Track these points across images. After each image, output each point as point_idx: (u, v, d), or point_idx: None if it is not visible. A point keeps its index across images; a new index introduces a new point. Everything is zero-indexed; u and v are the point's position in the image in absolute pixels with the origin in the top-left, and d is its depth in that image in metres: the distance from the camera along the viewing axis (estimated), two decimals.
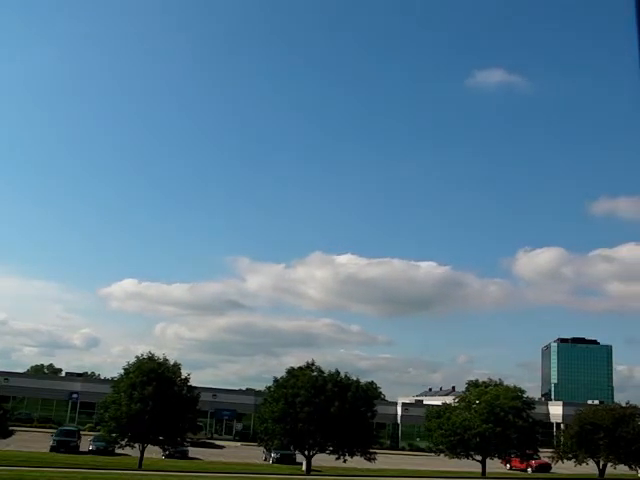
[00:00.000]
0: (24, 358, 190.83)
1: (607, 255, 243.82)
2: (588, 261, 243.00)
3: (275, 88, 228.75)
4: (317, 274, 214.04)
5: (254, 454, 49.92)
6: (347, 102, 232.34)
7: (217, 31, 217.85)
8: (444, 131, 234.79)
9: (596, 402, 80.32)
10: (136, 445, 36.69)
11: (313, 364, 40.92)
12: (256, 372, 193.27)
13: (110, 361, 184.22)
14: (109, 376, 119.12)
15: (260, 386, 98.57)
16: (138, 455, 36.40)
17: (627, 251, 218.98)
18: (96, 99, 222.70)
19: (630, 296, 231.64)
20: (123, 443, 36.83)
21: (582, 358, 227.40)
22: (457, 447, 43.21)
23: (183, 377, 38.88)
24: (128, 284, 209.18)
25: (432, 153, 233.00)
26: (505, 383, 46.64)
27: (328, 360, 70.26)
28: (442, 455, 45.42)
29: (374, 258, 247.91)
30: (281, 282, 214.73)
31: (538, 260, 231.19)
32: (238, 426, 71.02)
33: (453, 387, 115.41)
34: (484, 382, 46.99)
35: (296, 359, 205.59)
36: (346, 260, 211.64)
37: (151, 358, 38.48)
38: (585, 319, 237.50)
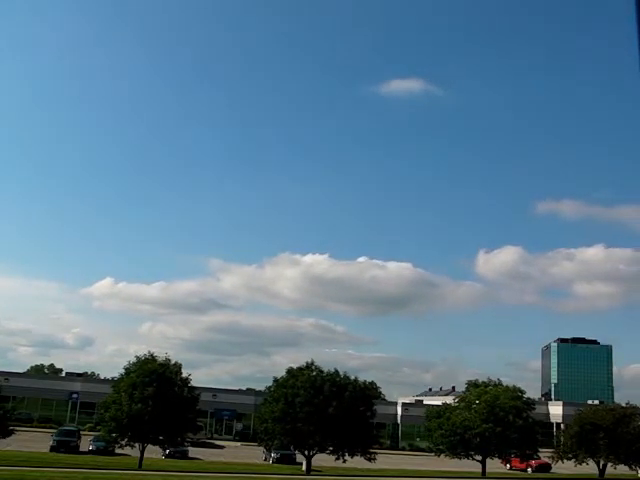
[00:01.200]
0: (21, 358, 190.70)
1: (569, 254, 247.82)
2: (548, 260, 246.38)
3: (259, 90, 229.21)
4: (289, 274, 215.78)
5: (254, 454, 49.93)
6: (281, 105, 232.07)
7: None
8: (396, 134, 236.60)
9: (596, 402, 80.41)
10: (136, 445, 36.69)
11: (313, 364, 40.94)
12: (250, 372, 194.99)
13: (105, 360, 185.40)
14: (103, 375, 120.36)
15: (255, 386, 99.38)
16: (138, 455, 36.38)
17: (576, 253, 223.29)
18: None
19: (595, 296, 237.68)
20: (123, 443, 36.82)
21: (582, 358, 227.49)
22: (457, 447, 43.21)
23: (184, 377, 38.90)
24: (107, 284, 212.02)
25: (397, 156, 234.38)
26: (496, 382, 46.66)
27: (321, 359, 70.50)
28: (442, 455, 45.41)
29: (344, 259, 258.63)
30: (254, 282, 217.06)
31: (498, 260, 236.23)
32: (238, 426, 71.05)
33: (453, 387, 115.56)
34: (484, 382, 46.98)
35: (287, 359, 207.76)
36: (316, 260, 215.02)
37: (153, 358, 38.50)
38: (577, 319, 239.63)
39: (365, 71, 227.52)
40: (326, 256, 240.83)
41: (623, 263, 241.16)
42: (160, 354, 39.31)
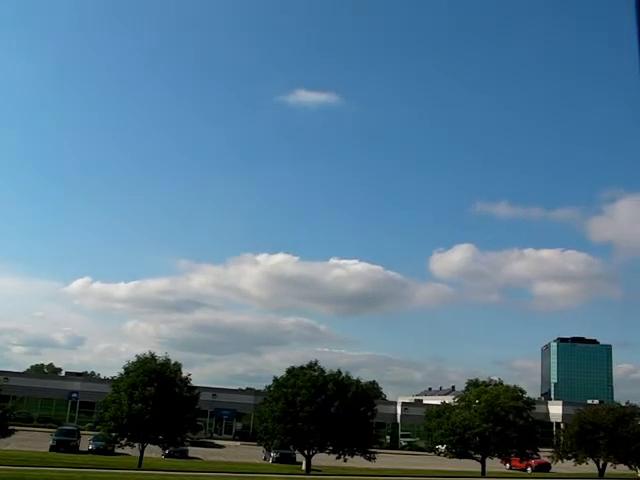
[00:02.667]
0: (14, 357, 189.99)
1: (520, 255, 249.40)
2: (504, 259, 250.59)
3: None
4: (258, 273, 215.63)
5: (254, 453, 49.94)
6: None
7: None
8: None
9: (596, 402, 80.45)
10: (136, 445, 36.68)
11: (315, 363, 40.93)
12: (243, 370, 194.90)
13: (98, 359, 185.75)
14: (97, 373, 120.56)
15: (249, 385, 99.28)
16: (138, 455, 36.39)
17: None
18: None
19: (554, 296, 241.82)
20: (123, 443, 36.81)
21: (582, 358, 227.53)
22: (457, 446, 43.20)
23: (183, 377, 38.90)
24: (83, 283, 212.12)
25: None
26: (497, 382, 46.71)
27: (310, 358, 70.40)
28: (442, 455, 45.41)
29: (311, 260, 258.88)
30: (223, 281, 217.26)
31: (452, 259, 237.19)
32: (238, 425, 71.05)
33: (453, 387, 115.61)
34: (484, 382, 47.01)
35: (277, 358, 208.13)
36: (283, 260, 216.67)
37: (153, 357, 38.50)
38: (595, 319, 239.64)
39: (273, 81, 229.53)
40: (292, 256, 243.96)
41: (572, 263, 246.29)
42: (160, 354, 39.36)
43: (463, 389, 50.39)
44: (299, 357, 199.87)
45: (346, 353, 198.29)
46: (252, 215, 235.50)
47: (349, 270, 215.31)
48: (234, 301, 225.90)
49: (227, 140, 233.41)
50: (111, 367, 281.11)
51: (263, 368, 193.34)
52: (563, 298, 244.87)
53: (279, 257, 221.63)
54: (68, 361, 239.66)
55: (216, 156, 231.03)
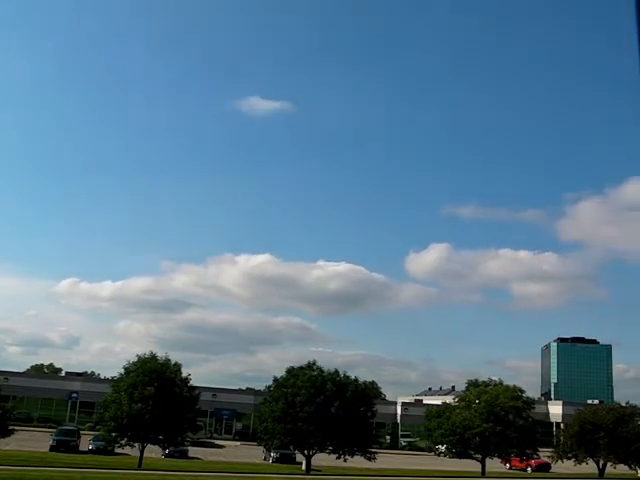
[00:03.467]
0: (12, 357, 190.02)
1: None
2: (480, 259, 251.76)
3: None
4: (241, 273, 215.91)
5: (254, 453, 49.95)
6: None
7: None
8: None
9: (596, 402, 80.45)
10: (136, 445, 36.68)
11: (314, 363, 40.95)
12: (240, 370, 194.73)
13: (95, 359, 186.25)
14: (97, 373, 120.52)
15: (245, 384, 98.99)
16: (138, 455, 36.39)
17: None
18: None
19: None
20: (123, 442, 36.82)
21: (582, 358, 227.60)
22: (457, 446, 43.20)
23: (183, 377, 38.91)
24: (70, 282, 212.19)
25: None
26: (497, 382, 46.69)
27: (305, 358, 70.67)
28: (442, 455, 45.41)
29: (290, 260, 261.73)
30: (205, 280, 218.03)
31: (428, 259, 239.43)
32: (238, 425, 71.06)
33: (453, 387, 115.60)
34: (484, 382, 47.02)
35: (272, 357, 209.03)
36: (263, 260, 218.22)
37: (153, 357, 38.50)
38: (578, 319, 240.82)
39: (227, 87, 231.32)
40: (273, 256, 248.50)
41: (548, 264, 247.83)
42: (160, 354, 39.38)
43: (463, 389, 50.38)
44: (293, 356, 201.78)
45: (340, 352, 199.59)
46: (235, 216, 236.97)
47: (330, 271, 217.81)
48: (219, 301, 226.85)
49: (199, 143, 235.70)
50: (107, 367, 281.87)
51: (258, 368, 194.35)
52: (543, 298, 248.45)
53: (261, 257, 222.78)
54: (66, 361, 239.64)
55: (179, 160, 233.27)
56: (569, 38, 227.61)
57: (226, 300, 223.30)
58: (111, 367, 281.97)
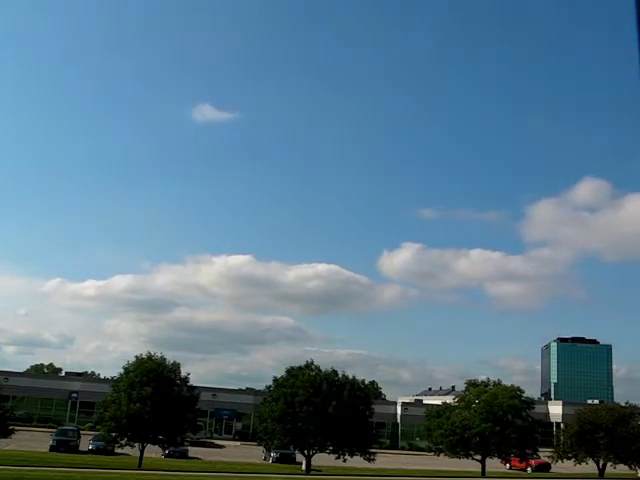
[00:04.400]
0: (7, 357, 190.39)
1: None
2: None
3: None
4: (223, 273, 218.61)
5: (254, 453, 49.96)
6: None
7: None
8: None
9: (596, 401, 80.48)
10: (136, 445, 36.68)
11: (312, 363, 40.95)
12: (236, 370, 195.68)
13: (90, 359, 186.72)
14: (97, 373, 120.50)
15: (243, 384, 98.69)
16: (138, 455, 36.40)
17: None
18: None
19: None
20: (123, 442, 36.82)
21: (582, 358, 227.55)
22: (457, 447, 43.20)
23: (183, 377, 38.90)
24: (56, 282, 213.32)
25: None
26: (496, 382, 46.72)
27: (298, 357, 70.99)
28: (442, 455, 45.41)
29: (266, 261, 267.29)
30: (186, 280, 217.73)
31: (398, 259, 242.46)
32: (238, 426, 71.06)
33: (453, 387, 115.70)
34: (483, 381, 47.03)
35: (266, 357, 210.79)
36: (242, 261, 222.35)
37: (150, 357, 38.48)
38: (578, 318, 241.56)
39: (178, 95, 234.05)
40: (252, 257, 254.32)
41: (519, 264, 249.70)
42: (158, 353, 39.36)
43: (463, 389, 50.40)
44: (287, 356, 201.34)
45: (331, 351, 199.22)
46: (216, 218, 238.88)
47: (309, 271, 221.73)
48: (202, 300, 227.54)
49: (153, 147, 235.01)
50: (100, 366, 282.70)
51: (253, 367, 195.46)
52: (520, 298, 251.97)
53: (241, 258, 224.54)
54: (62, 360, 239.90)
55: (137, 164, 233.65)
56: (528, 40, 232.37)
57: (209, 300, 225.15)
58: (105, 366, 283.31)
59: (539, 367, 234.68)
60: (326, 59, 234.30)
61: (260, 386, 44.03)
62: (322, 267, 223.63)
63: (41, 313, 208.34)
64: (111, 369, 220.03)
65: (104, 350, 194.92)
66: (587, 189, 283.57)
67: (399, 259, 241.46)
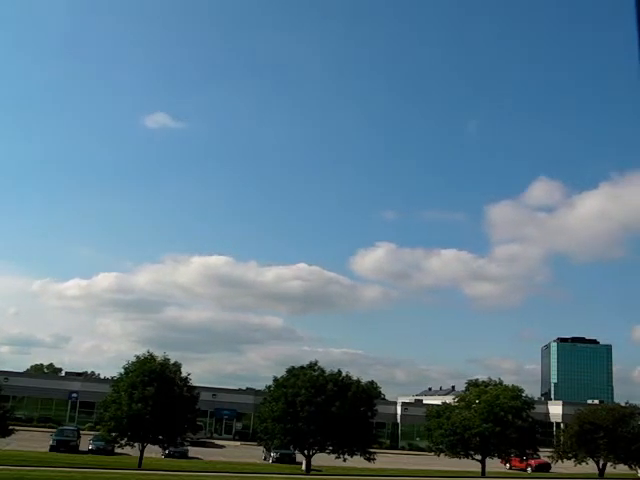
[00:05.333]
0: (3, 356, 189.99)
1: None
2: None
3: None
4: (201, 273, 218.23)
5: (254, 453, 49.97)
6: None
7: None
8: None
9: (596, 402, 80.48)
10: (136, 445, 36.68)
11: (316, 363, 40.97)
12: (233, 369, 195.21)
13: (87, 358, 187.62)
14: (97, 373, 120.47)
15: (238, 384, 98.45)
16: (138, 455, 36.39)
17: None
18: None
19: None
20: (123, 442, 36.80)
21: (582, 358, 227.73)
22: (457, 447, 43.20)
23: (183, 377, 38.90)
24: (43, 282, 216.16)
25: None
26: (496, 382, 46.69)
27: (293, 356, 71.15)
28: (442, 455, 45.42)
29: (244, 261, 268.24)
30: (167, 280, 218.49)
31: (371, 259, 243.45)
32: (238, 426, 71.05)
33: (453, 386, 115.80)
34: (484, 382, 47.02)
35: (259, 357, 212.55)
36: (221, 261, 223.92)
37: (152, 357, 38.50)
38: (580, 319, 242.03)
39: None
40: (229, 258, 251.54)
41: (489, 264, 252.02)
42: (159, 354, 39.38)
43: (463, 389, 50.40)
44: (281, 355, 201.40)
45: (328, 351, 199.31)
46: (193, 219, 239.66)
47: (290, 272, 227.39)
48: (187, 300, 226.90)
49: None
50: (98, 366, 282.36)
51: (249, 367, 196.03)
52: (494, 297, 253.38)
53: (221, 258, 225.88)
54: (60, 360, 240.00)
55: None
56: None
57: (192, 299, 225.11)
58: (101, 366, 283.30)
59: (529, 367, 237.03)
60: (274, 65, 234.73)
61: (255, 385, 44.23)
62: (302, 267, 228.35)
63: (31, 312, 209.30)
64: (108, 369, 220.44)
65: (99, 350, 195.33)
66: (542, 189, 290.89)
67: (372, 259, 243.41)
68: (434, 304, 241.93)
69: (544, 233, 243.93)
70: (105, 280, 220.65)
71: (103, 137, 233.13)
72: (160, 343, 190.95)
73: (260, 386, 65.94)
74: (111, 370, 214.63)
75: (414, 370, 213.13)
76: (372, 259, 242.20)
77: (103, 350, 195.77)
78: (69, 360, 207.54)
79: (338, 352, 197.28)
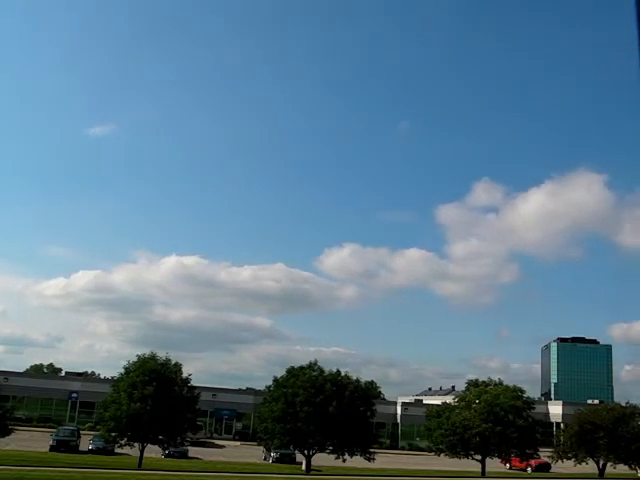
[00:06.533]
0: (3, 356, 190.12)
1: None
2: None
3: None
4: (176, 273, 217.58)
5: (254, 453, 49.98)
6: None
7: None
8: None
9: (596, 402, 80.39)
10: (136, 445, 36.67)
11: (316, 363, 40.96)
12: (227, 369, 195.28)
13: (78, 357, 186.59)
14: (98, 373, 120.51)
15: (234, 384, 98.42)
16: (138, 455, 36.38)
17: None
18: None
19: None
20: (123, 442, 36.78)
21: (582, 358, 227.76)
22: (457, 447, 43.18)
23: (183, 377, 38.90)
24: (28, 281, 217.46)
25: None
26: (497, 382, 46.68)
27: (288, 356, 71.30)
28: (442, 455, 45.42)
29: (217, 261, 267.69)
30: (144, 279, 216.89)
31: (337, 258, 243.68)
32: (238, 426, 71.06)
33: (453, 386, 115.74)
34: (484, 382, 47.00)
35: (253, 356, 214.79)
36: (194, 261, 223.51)
37: (153, 357, 38.50)
38: (581, 318, 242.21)
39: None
40: (202, 258, 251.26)
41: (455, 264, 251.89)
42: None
43: (463, 389, 50.40)
44: (273, 355, 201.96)
45: (318, 350, 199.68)
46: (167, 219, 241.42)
47: (265, 272, 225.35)
48: (166, 299, 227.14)
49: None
50: (93, 365, 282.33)
51: (242, 366, 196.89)
52: (458, 297, 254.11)
53: (194, 258, 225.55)
54: (55, 359, 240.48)
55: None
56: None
57: (172, 299, 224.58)
58: (96, 365, 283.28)
59: (516, 365, 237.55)
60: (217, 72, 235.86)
61: (251, 385, 44.38)
62: (278, 267, 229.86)
63: (19, 312, 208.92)
64: (102, 368, 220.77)
65: (93, 349, 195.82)
66: (484, 191, 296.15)
67: (338, 259, 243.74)
68: (406, 303, 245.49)
69: (497, 233, 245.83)
70: (84, 279, 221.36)
71: (71, 137, 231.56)
72: (149, 342, 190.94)
73: (256, 385, 66.13)
74: (105, 369, 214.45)
75: (408, 370, 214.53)
76: (339, 258, 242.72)
77: (96, 349, 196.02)
78: (64, 359, 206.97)
79: (329, 351, 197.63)
